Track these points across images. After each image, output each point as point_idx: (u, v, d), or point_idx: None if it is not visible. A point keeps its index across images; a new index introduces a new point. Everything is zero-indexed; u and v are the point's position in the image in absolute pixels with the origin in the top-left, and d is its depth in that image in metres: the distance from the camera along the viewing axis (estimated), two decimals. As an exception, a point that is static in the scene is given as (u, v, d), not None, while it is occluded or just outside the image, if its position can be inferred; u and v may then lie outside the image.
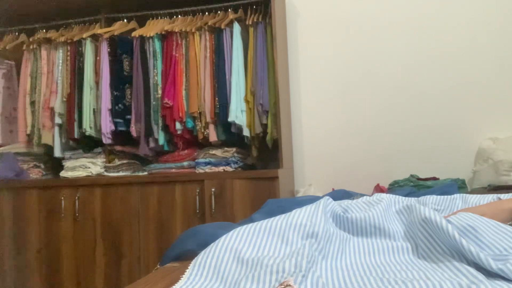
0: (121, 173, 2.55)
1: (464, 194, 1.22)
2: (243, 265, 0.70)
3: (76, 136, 2.59)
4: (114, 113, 2.53)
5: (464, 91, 2.52)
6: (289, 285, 0.53)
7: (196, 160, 2.44)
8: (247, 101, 2.39)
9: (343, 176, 2.65)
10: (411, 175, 2.43)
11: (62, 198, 2.46)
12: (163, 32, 2.51)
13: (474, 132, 2.49)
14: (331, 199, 0.94)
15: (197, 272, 0.70)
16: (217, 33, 2.45)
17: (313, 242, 0.77)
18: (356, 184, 2.49)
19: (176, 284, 0.66)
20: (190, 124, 2.43)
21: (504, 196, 1.15)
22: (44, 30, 2.76)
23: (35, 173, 2.66)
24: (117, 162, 2.57)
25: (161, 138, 2.47)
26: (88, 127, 2.54)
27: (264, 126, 2.40)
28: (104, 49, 2.58)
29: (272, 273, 0.64)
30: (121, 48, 2.57)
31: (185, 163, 2.47)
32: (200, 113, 2.42)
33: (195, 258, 0.74)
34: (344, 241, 0.84)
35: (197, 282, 0.67)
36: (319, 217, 0.85)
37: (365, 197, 1.12)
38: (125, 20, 2.69)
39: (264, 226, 0.83)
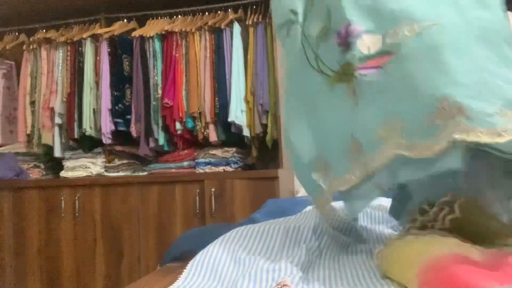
0: (121, 173, 2.55)
1: None
2: (240, 265, 0.70)
3: (76, 136, 2.59)
4: (114, 113, 2.53)
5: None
6: (286, 285, 0.53)
7: (196, 160, 2.43)
8: (247, 101, 2.39)
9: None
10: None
11: (62, 198, 2.46)
12: (163, 32, 2.51)
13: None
14: None
15: (195, 271, 0.70)
16: (217, 33, 2.45)
17: (311, 246, 0.77)
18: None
19: (174, 284, 0.66)
20: (190, 124, 2.43)
21: None
22: (44, 30, 2.76)
23: (35, 173, 2.66)
24: (117, 162, 2.57)
25: (161, 138, 2.47)
26: (88, 127, 2.54)
27: (264, 126, 2.40)
28: (104, 49, 2.58)
29: (269, 272, 0.64)
30: (121, 48, 2.57)
31: (185, 163, 2.46)
32: (200, 113, 2.42)
33: (193, 258, 0.74)
34: (342, 246, 0.84)
35: (194, 281, 0.67)
36: (318, 221, 0.85)
37: None
38: (125, 20, 2.69)
39: (263, 229, 0.83)
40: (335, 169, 0.73)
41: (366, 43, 0.65)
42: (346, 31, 0.67)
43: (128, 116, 2.53)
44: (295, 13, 0.75)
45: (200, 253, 0.75)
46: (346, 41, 0.67)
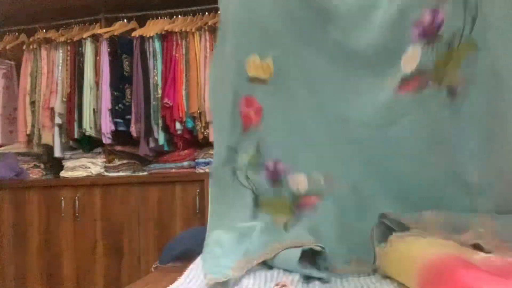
0: (121, 173, 2.55)
1: None
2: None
3: (76, 136, 2.58)
4: (114, 113, 2.52)
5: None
6: (285, 286, 0.53)
7: (196, 160, 2.43)
8: (247, 101, 2.38)
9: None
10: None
11: (62, 198, 2.45)
12: (163, 32, 2.51)
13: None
14: None
15: (195, 273, 0.70)
16: (217, 33, 2.44)
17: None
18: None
19: (174, 284, 0.66)
20: (190, 124, 2.43)
21: None
22: (44, 30, 2.76)
23: (35, 173, 2.66)
24: (117, 162, 2.57)
25: (161, 138, 2.47)
26: (88, 127, 2.54)
27: (264, 126, 2.39)
28: (104, 49, 2.58)
29: (267, 273, 0.64)
30: (121, 48, 2.57)
31: (185, 163, 2.46)
32: (200, 113, 2.42)
33: (194, 260, 0.74)
34: None
35: (194, 282, 0.67)
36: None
37: None
38: (125, 20, 2.69)
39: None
40: None
41: (296, 182, 0.74)
42: (275, 167, 0.75)
43: (128, 116, 2.53)
44: (233, 149, 0.83)
45: (201, 255, 0.76)
46: (276, 177, 0.75)
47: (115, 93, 2.53)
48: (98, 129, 2.55)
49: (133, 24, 2.68)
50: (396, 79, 0.71)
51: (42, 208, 2.49)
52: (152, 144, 2.50)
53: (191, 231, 1.05)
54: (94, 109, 2.57)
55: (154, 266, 0.92)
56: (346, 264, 0.70)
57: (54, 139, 2.61)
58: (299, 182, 0.73)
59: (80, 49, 2.62)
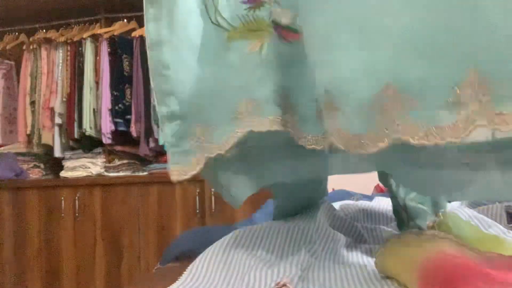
0: (121, 173, 2.55)
1: None
2: (239, 268, 0.70)
3: (76, 136, 2.58)
4: (114, 113, 2.52)
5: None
6: (285, 285, 0.53)
7: (196, 160, 2.43)
8: (247, 101, 2.38)
9: (343, 176, 2.64)
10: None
11: (62, 198, 2.45)
12: (163, 32, 2.51)
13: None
14: (331, 205, 0.94)
15: (195, 273, 0.70)
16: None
17: (311, 247, 0.78)
18: (356, 184, 2.48)
19: (173, 285, 0.66)
20: (190, 124, 2.43)
21: None
22: (44, 30, 2.76)
23: (35, 173, 2.66)
24: (117, 162, 2.57)
25: (161, 138, 2.47)
26: (88, 127, 2.54)
27: (264, 126, 2.39)
28: (104, 49, 2.58)
29: (267, 273, 0.64)
30: (121, 48, 2.57)
31: (185, 163, 2.46)
32: (200, 113, 2.42)
33: (194, 261, 0.74)
34: (342, 245, 0.84)
35: (194, 283, 0.67)
36: (317, 223, 0.85)
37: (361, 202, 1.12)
38: (125, 20, 2.69)
39: (263, 231, 0.83)
40: (215, 133, 0.70)
41: (279, 13, 0.62)
42: None
43: (128, 116, 2.53)
44: None
45: (200, 255, 0.76)
46: (257, 1, 0.63)
47: (115, 93, 2.53)
48: (98, 129, 2.55)
49: (133, 24, 2.68)
50: None
51: (42, 208, 2.49)
52: (152, 144, 2.50)
53: (191, 232, 1.05)
54: (94, 109, 2.57)
55: (155, 268, 0.92)
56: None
57: (54, 139, 2.61)
58: (282, 15, 0.62)
59: (80, 49, 2.62)
